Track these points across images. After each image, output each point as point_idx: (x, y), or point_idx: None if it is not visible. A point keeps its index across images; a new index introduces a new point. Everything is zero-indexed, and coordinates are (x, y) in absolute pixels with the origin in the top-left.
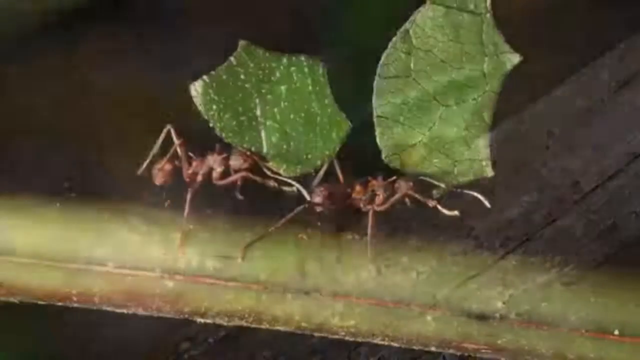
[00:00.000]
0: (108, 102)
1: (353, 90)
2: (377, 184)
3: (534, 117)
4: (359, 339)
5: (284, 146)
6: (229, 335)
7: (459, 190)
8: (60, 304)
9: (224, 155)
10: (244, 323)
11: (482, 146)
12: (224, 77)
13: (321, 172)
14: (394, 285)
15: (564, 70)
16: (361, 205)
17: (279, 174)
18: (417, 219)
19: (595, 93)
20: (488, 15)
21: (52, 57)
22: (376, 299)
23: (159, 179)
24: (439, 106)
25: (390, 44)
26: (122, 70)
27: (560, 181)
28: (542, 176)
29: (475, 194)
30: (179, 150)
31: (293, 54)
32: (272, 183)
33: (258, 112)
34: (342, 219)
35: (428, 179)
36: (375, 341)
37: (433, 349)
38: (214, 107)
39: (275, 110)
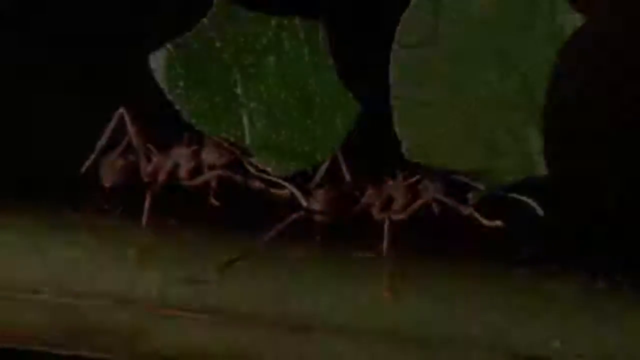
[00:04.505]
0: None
1: (363, 63)
2: (395, 186)
3: None
4: None
5: (273, 135)
6: None
7: (502, 193)
8: None
9: (194, 147)
10: None
11: (532, 135)
12: (195, 45)
13: (322, 170)
14: (416, 317)
15: None
16: (374, 213)
17: (267, 173)
18: (448, 231)
19: None
20: None
21: None
22: (393, 334)
23: (108, 178)
24: (477, 83)
25: (411, 3)
26: None
27: None
28: None
29: (525, 198)
30: (134, 140)
31: (284, 16)
32: (257, 184)
33: (239, 91)
34: (349, 231)
35: (462, 179)
36: None
37: None
38: (181, 84)
39: (262, 88)
